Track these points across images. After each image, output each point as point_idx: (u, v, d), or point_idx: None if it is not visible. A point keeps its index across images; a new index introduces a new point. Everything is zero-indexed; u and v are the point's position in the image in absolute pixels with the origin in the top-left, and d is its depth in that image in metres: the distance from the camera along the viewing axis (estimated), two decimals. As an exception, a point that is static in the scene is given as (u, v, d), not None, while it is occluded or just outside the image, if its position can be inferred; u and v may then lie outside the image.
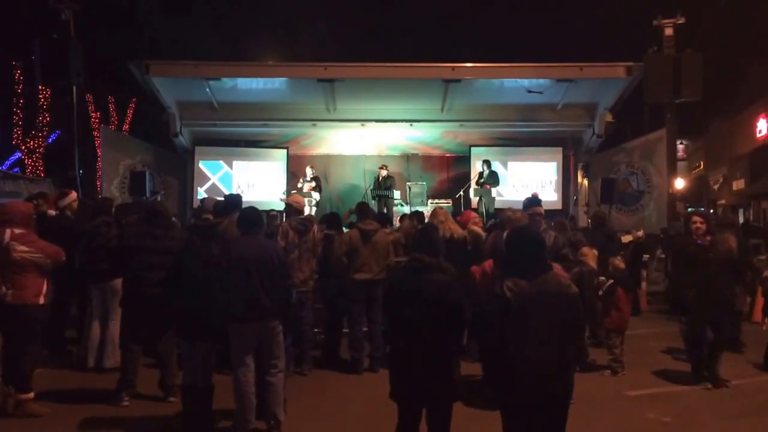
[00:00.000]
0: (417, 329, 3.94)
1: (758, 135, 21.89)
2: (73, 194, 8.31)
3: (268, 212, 10.73)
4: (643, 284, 11.73)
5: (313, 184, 14.65)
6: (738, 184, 22.68)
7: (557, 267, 5.57)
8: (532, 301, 3.60)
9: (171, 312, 5.69)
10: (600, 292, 7.27)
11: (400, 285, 4.15)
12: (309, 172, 14.84)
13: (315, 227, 7.36)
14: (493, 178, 14.30)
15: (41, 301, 5.82)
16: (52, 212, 8.11)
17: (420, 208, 14.14)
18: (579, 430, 5.12)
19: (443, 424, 4.05)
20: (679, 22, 13.64)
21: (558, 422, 3.77)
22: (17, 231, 5.76)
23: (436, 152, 16.81)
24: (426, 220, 9.18)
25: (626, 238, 11.25)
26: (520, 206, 7.27)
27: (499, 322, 3.69)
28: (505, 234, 5.48)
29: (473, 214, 8.82)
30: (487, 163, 14.46)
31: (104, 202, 8.00)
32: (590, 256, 7.51)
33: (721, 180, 25.27)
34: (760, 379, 7.27)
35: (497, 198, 14.54)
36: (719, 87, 22.51)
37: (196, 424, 5.41)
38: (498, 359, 3.87)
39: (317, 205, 14.51)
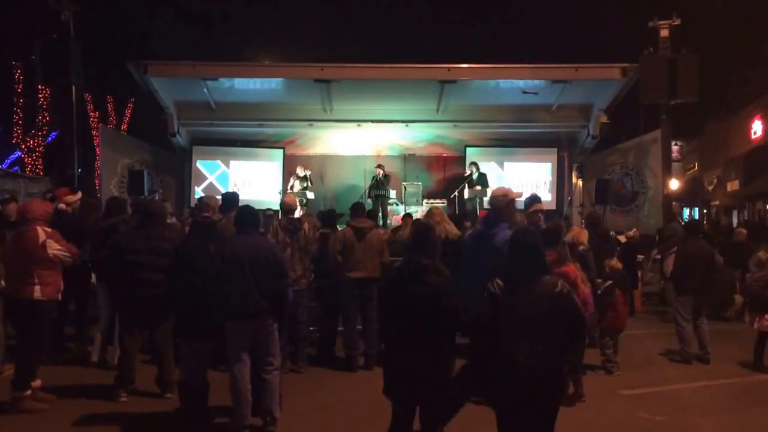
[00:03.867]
0: (412, 330, 4.00)
1: (753, 136, 22.03)
2: (78, 194, 8.41)
3: (264, 212, 10.81)
4: (639, 285, 11.79)
5: (305, 183, 14.71)
6: (732, 185, 22.79)
7: (571, 267, 5.69)
8: (524, 301, 3.71)
9: (168, 310, 5.79)
10: (598, 293, 7.35)
11: (396, 286, 4.18)
12: (300, 171, 14.91)
13: (306, 226, 7.43)
14: (482, 180, 14.33)
15: (59, 297, 6.05)
16: (62, 206, 8.18)
17: (415, 208, 14.25)
18: (573, 428, 5.24)
19: (435, 421, 4.12)
20: (675, 23, 13.70)
21: (547, 420, 3.87)
22: (48, 229, 5.91)
23: (431, 152, 16.86)
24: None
25: (620, 239, 11.35)
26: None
27: (489, 320, 3.79)
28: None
29: None
30: (475, 165, 14.48)
31: (120, 202, 8.03)
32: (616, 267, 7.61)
33: (715, 181, 25.39)
34: (751, 379, 7.38)
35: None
36: (715, 88, 22.62)
37: (193, 421, 5.51)
38: (491, 357, 3.98)
39: (306, 204, 14.56)
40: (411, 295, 4.00)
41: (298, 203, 9.16)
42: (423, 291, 3.98)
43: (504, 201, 5.16)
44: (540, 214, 6.72)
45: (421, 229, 4.50)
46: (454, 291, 4.12)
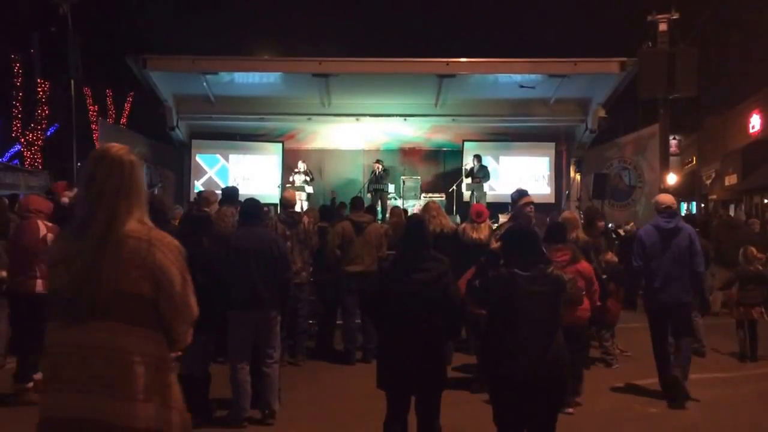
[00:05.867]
0: (411, 318, 4.02)
1: (751, 130, 21.99)
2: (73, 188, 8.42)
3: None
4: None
5: (305, 177, 14.79)
6: (730, 179, 22.77)
7: (585, 264, 5.83)
8: (523, 289, 3.80)
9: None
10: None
11: (394, 275, 4.17)
12: (301, 165, 14.98)
13: (305, 219, 7.50)
14: (484, 173, 14.40)
15: None
16: (65, 200, 8.22)
17: (413, 202, 14.30)
18: (567, 419, 5.30)
19: (433, 413, 4.13)
20: (674, 17, 13.69)
21: (547, 411, 3.94)
22: (48, 224, 5.97)
23: (429, 147, 16.92)
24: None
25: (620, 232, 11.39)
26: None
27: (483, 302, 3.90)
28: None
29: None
30: (477, 157, 14.55)
31: None
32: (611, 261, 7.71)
33: (713, 175, 25.33)
34: (746, 372, 7.44)
35: (489, 192, 14.67)
36: (713, 82, 22.63)
37: (193, 413, 5.55)
38: (488, 344, 4.05)
39: (308, 198, 14.65)
40: (411, 283, 4.02)
41: (297, 198, 9.22)
42: (424, 277, 4.01)
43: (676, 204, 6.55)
44: (531, 206, 6.97)
45: (413, 222, 4.58)
46: (452, 277, 4.17)
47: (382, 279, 4.32)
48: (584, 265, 5.85)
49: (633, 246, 11.22)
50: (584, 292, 5.79)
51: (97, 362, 2.13)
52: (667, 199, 6.54)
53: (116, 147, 2.37)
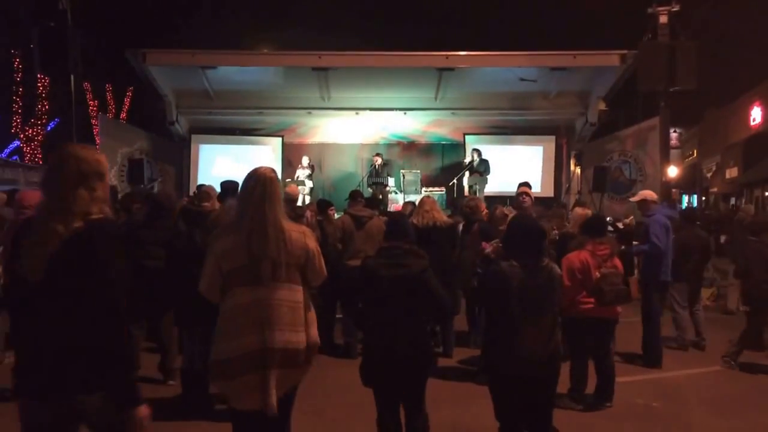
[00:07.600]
0: (393, 313, 4.04)
1: (752, 123, 21.98)
2: None
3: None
4: (636, 272, 11.76)
5: (308, 172, 14.82)
6: (731, 172, 22.77)
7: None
8: (521, 283, 3.83)
9: (169, 298, 5.85)
10: None
11: (380, 271, 4.16)
12: (305, 161, 14.99)
13: (308, 213, 7.50)
14: (485, 166, 14.40)
15: None
16: None
17: (414, 196, 14.29)
18: (567, 416, 5.32)
19: (419, 399, 4.17)
20: (674, 9, 13.65)
21: (545, 405, 3.97)
22: None
23: (429, 140, 16.90)
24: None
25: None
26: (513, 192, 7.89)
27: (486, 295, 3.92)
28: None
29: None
30: (477, 151, 14.55)
31: (112, 190, 8.06)
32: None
33: (714, 168, 25.33)
34: (746, 366, 7.43)
35: (489, 185, 14.67)
36: (714, 75, 22.58)
37: (194, 407, 5.59)
38: (488, 339, 4.07)
39: (310, 193, 14.67)
40: (395, 279, 4.03)
41: (299, 192, 9.23)
42: (404, 274, 4.02)
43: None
44: (525, 196, 7.49)
45: (396, 217, 4.60)
46: (433, 273, 4.15)
47: (363, 276, 4.30)
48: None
49: (629, 239, 11.36)
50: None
51: (283, 310, 3.32)
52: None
53: (270, 168, 3.49)
